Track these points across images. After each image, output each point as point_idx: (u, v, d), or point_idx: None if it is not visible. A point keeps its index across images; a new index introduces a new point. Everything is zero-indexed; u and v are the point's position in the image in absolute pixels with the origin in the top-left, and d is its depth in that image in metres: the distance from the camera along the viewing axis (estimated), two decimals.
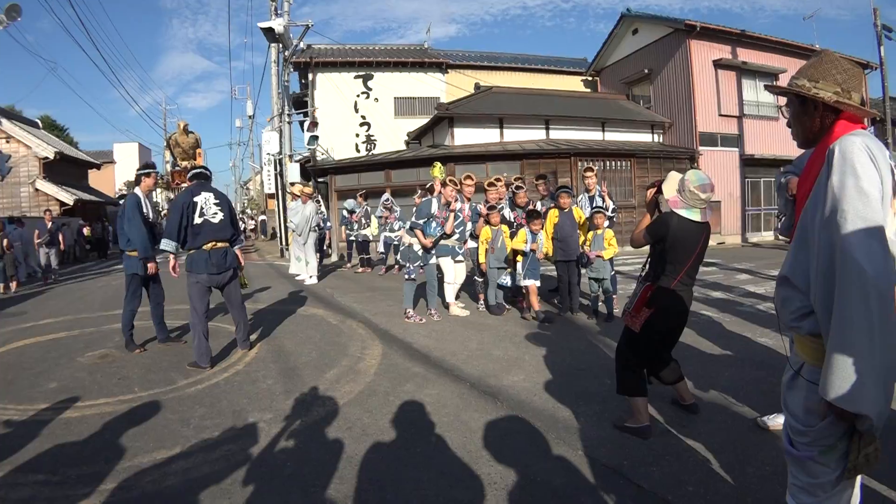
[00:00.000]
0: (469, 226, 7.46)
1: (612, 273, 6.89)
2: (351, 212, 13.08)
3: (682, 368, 3.78)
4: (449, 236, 6.98)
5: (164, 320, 5.93)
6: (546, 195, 8.38)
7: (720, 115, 18.82)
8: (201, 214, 5.05)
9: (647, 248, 3.48)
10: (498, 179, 7.57)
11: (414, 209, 7.02)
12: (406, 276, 6.90)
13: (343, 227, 13.72)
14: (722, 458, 3.07)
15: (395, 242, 12.14)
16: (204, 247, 5.02)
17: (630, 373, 3.44)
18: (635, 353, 3.43)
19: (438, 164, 7.51)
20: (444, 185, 6.78)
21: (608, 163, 17.34)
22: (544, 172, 8.54)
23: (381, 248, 12.31)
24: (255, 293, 9.51)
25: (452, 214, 6.79)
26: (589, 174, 7.31)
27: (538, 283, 6.80)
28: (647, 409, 3.41)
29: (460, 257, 7.55)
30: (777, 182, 3.66)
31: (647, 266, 3.52)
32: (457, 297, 7.48)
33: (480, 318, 7.02)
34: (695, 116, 18.51)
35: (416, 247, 6.80)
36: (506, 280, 7.03)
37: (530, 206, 7.38)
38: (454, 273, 7.52)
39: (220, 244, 5.10)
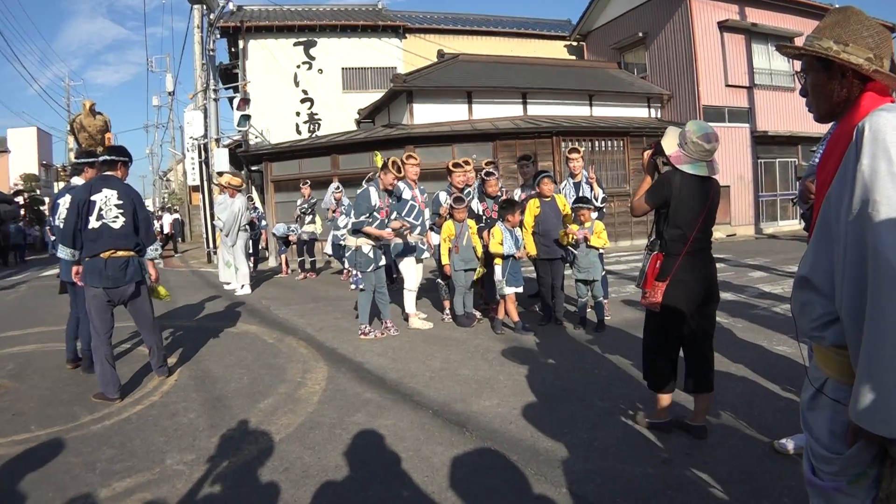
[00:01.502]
0: (427, 213, 7.43)
1: (603, 273, 6.93)
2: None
3: (681, 383, 3.80)
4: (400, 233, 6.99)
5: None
6: (526, 181, 8.36)
7: (727, 85, 19.23)
8: (99, 217, 4.90)
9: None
10: (466, 161, 7.57)
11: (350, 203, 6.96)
12: (357, 286, 6.83)
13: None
14: (733, 491, 3.09)
15: (342, 242, 12.04)
16: (102, 254, 4.88)
17: (661, 363, 3.64)
18: (665, 339, 3.62)
19: (379, 154, 7.49)
20: (384, 167, 6.76)
21: (597, 143, 17.58)
22: (527, 153, 8.54)
23: (327, 249, 12.17)
24: (174, 307, 9.33)
25: (407, 207, 6.79)
26: (574, 156, 7.36)
27: (520, 290, 6.80)
28: (670, 405, 3.74)
29: (426, 255, 7.52)
30: (799, 186, 3.69)
31: (653, 233, 3.68)
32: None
33: (446, 330, 7.00)
34: (698, 87, 18.88)
35: (367, 248, 6.72)
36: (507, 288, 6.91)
37: (504, 196, 7.38)
38: (417, 278, 7.47)
39: (120, 253, 4.95)
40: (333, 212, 11.95)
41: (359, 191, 6.92)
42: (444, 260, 7.14)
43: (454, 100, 17.85)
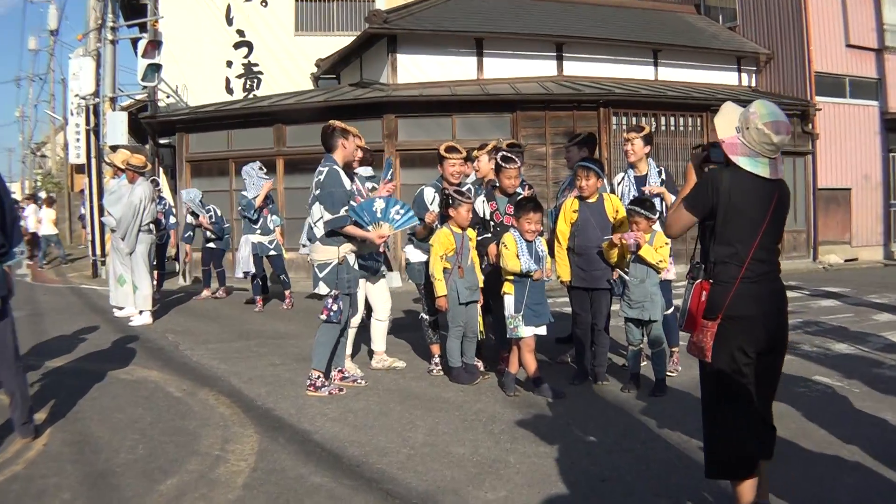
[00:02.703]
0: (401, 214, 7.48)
1: (670, 311, 6.92)
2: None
3: (774, 470, 3.79)
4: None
5: None
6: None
7: (848, 45, 19.38)
8: None
9: None
10: (455, 149, 7.48)
11: (314, 193, 6.83)
12: (326, 315, 6.72)
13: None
14: None
15: (274, 253, 12.24)
16: None
17: (725, 440, 3.60)
18: (727, 402, 3.63)
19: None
20: (342, 133, 6.87)
21: (663, 119, 17.69)
22: (580, 132, 8.37)
23: (242, 264, 12.11)
24: (44, 339, 9.31)
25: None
26: (633, 138, 7.29)
27: (544, 331, 6.76)
28: (754, 495, 3.59)
29: (395, 275, 7.56)
30: None
31: (696, 254, 3.80)
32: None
33: (433, 388, 6.98)
34: (808, 47, 19.01)
35: (352, 259, 6.75)
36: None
37: (524, 193, 7.32)
38: (385, 302, 7.48)
39: None
40: (259, 210, 11.93)
41: (320, 175, 6.80)
42: (440, 289, 6.96)
43: (457, 50, 18.00)
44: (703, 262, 3.70)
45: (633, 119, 17.11)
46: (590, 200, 6.90)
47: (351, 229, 6.61)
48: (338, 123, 6.90)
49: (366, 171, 8.15)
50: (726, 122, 3.65)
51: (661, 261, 6.49)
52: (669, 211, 3.82)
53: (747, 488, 3.56)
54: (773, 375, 3.75)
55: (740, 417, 3.60)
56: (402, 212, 6.81)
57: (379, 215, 6.73)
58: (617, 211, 6.90)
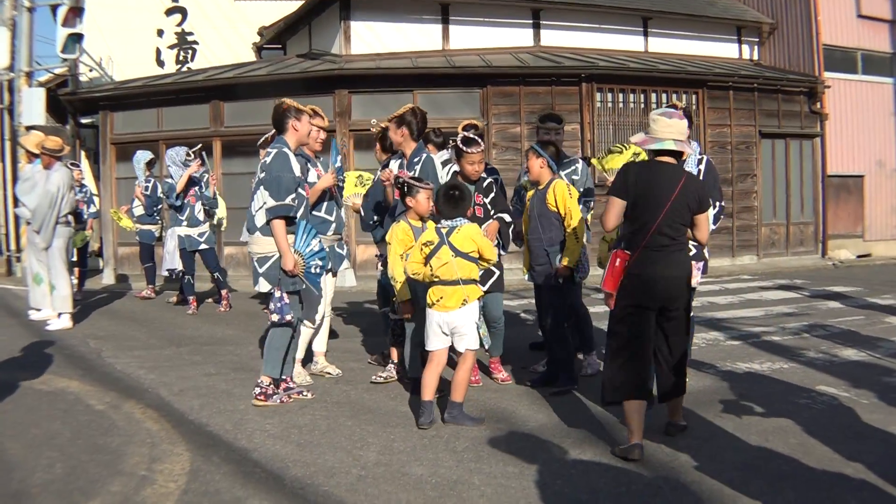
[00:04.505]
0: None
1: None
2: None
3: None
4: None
5: None
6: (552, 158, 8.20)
7: (860, 16, 19.59)
8: None
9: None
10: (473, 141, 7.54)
11: (259, 177, 6.83)
12: (275, 316, 6.71)
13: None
14: None
15: (205, 247, 12.25)
16: None
17: (611, 369, 5.41)
18: (617, 340, 5.42)
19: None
20: (296, 112, 6.93)
21: (654, 95, 17.84)
22: (551, 112, 8.45)
23: (167, 260, 12.11)
24: None
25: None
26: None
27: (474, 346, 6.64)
28: (642, 420, 5.26)
29: (346, 264, 7.57)
30: None
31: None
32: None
33: (391, 399, 7.02)
34: (815, 17, 19.17)
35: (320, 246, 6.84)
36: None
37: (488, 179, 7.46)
38: (327, 298, 7.49)
39: None
40: (181, 196, 11.89)
41: (268, 157, 6.81)
42: (403, 293, 6.90)
43: (419, 16, 18.10)
44: (620, 238, 5.43)
45: (620, 95, 17.22)
46: (540, 187, 7.08)
47: (280, 227, 6.58)
48: (289, 102, 6.94)
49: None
50: (636, 137, 5.48)
51: None
52: (604, 215, 5.34)
53: (636, 409, 5.26)
54: (677, 325, 5.45)
55: (630, 355, 5.34)
56: (318, 265, 6.90)
57: (306, 248, 6.78)
58: (564, 199, 7.01)
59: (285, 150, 6.75)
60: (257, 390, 6.74)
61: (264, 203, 6.60)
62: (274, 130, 7.08)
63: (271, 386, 6.75)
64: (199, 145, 12.54)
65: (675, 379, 5.52)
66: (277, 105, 6.95)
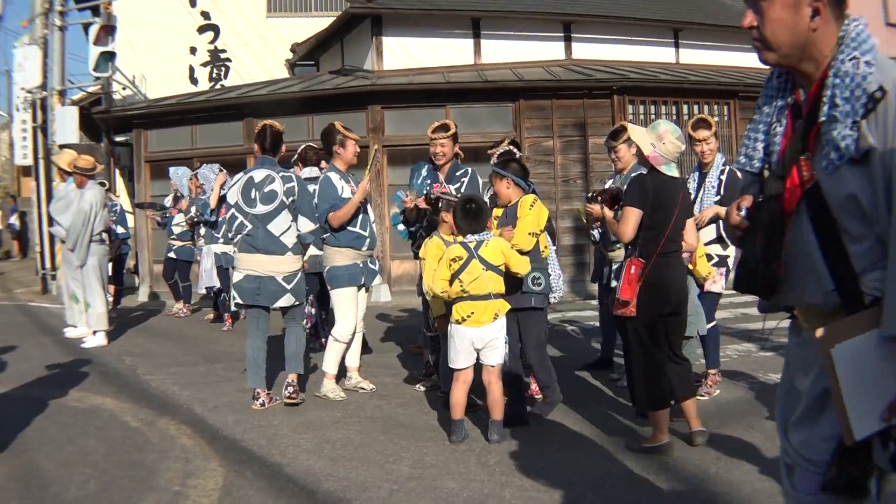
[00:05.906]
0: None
1: (712, 325, 7.00)
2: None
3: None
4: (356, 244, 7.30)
5: None
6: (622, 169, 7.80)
7: (888, 24, 19.40)
8: None
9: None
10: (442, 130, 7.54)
11: (280, 200, 7.09)
12: (307, 324, 6.98)
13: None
14: None
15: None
16: None
17: (652, 378, 5.60)
18: (652, 345, 5.62)
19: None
20: (338, 137, 7.24)
21: (686, 106, 17.64)
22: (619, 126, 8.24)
23: (205, 278, 12.18)
24: None
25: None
26: (706, 137, 7.15)
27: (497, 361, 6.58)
28: (668, 423, 5.64)
29: (378, 279, 7.65)
30: None
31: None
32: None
33: (423, 414, 7.03)
34: None
35: (345, 261, 7.02)
36: None
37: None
38: (354, 320, 7.55)
39: None
40: (215, 211, 11.87)
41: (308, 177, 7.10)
42: (438, 308, 6.92)
43: (451, 31, 18.06)
44: (633, 245, 5.66)
45: (652, 107, 17.11)
46: (504, 204, 6.79)
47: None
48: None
49: (312, 171, 8.56)
50: (642, 142, 5.57)
51: (708, 274, 6.82)
52: (619, 225, 5.68)
53: (663, 417, 5.57)
54: (681, 325, 5.87)
55: (660, 361, 5.59)
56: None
57: None
58: (526, 217, 6.54)
59: (330, 174, 7.29)
60: (290, 389, 7.18)
61: (296, 226, 7.22)
62: (304, 147, 7.24)
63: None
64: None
65: (685, 375, 5.84)
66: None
